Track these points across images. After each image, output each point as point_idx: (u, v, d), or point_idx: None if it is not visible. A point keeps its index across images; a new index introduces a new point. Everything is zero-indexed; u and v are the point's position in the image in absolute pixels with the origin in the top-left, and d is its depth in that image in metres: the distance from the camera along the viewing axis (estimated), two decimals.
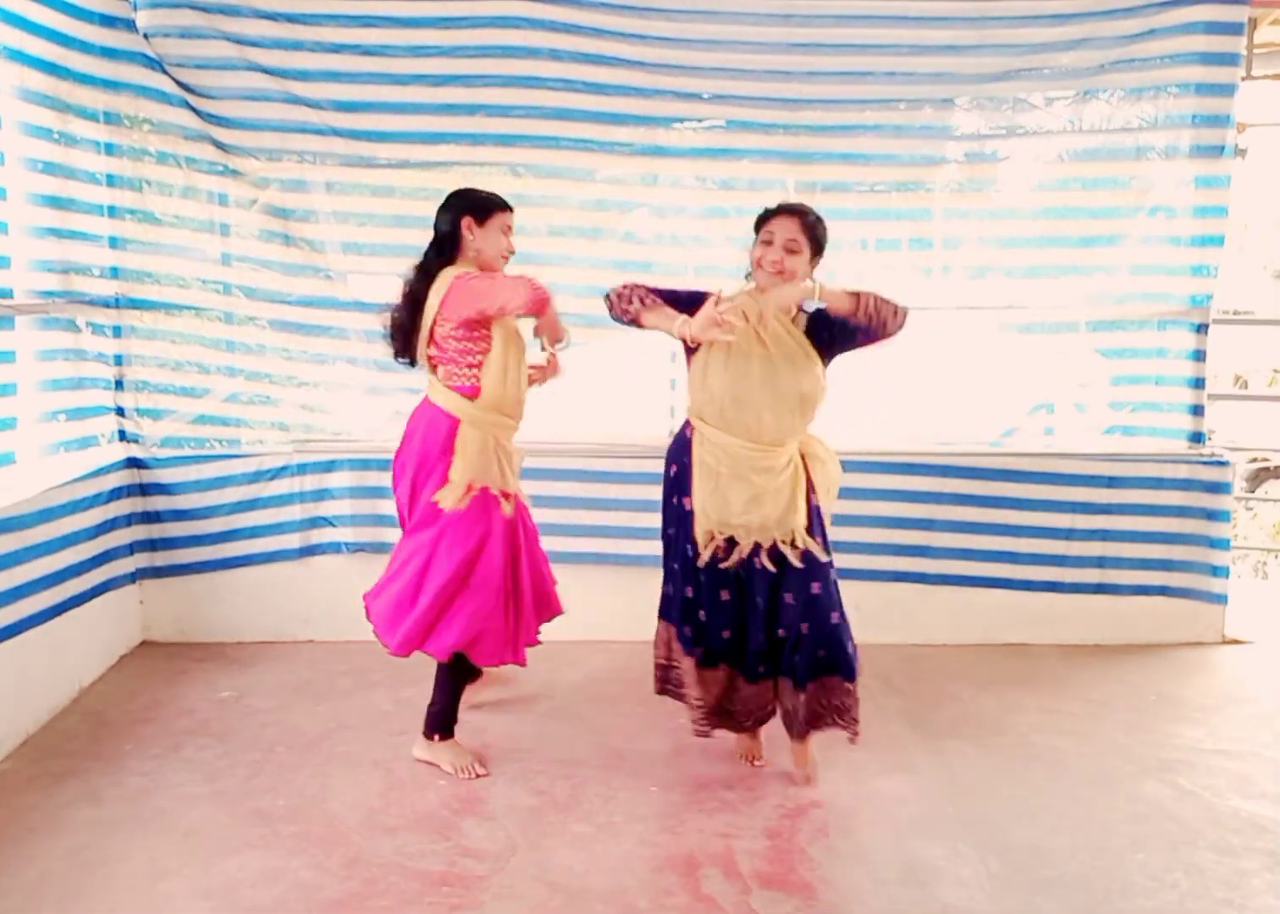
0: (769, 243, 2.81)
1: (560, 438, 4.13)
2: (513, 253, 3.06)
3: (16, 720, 3.20)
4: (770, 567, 2.87)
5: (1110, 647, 4.15)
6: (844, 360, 2.96)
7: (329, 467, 4.08)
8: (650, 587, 4.16)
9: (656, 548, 4.14)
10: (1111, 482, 4.12)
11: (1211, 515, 4.13)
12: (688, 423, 2.98)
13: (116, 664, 3.85)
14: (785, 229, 2.79)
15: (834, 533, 4.12)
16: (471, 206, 2.97)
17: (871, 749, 3.22)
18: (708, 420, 2.89)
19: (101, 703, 3.52)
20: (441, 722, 3.08)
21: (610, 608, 4.11)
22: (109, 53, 3.74)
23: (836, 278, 4.30)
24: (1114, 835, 2.75)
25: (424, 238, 4.17)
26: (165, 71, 3.80)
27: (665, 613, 3.13)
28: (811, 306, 2.80)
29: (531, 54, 3.93)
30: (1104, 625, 4.18)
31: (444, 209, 3.01)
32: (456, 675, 3.07)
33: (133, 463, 3.97)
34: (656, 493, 4.12)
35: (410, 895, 2.45)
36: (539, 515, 4.08)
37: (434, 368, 3.02)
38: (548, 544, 4.09)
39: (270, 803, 2.86)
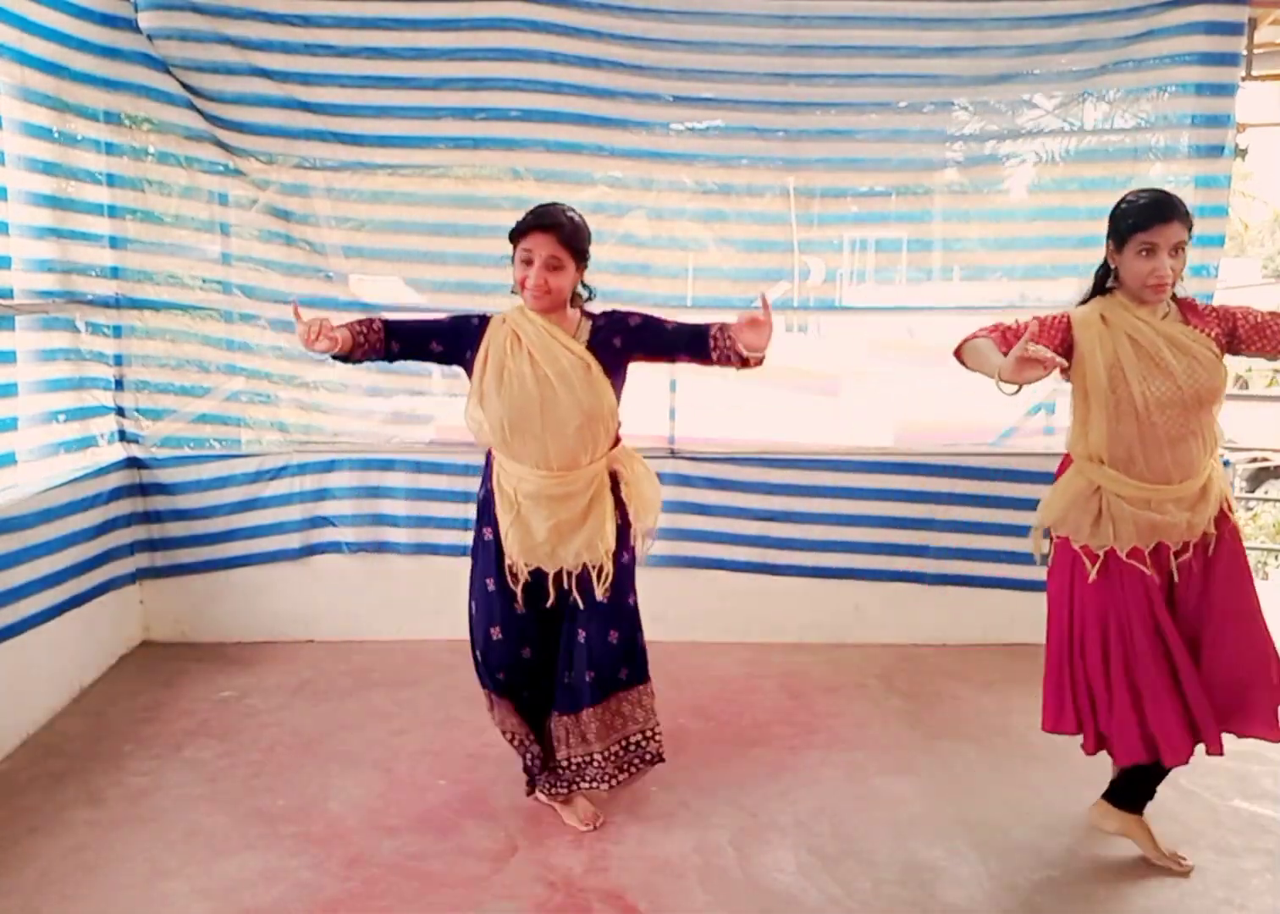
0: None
1: None
2: (1158, 281, 2.38)
3: (16, 720, 3.20)
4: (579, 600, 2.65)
5: None
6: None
7: (329, 467, 4.08)
8: (650, 587, 4.17)
9: (656, 548, 4.16)
10: None
11: None
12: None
13: (116, 664, 3.85)
14: (543, 245, 2.47)
15: (834, 533, 4.17)
16: (1110, 231, 2.48)
17: (871, 749, 3.22)
18: (496, 447, 2.65)
19: (101, 703, 3.52)
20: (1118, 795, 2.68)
21: None
22: (109, 52, 3.73)
23: (839, 277, 4.32)
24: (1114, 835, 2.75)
25: (424, 241, 4.20)
26: (168, 72, 3.80)
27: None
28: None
29: (531, 57, 3.93)
30: None
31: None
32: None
33: (133, 463, 3.97)
34: None
35: (410, 895, 2.45)
36: None
37: None
38: None
39: (270, 803, 2.86)
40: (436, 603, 4.13)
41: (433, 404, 4.28)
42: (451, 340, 2.63)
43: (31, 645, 3.26)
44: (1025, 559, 4.14)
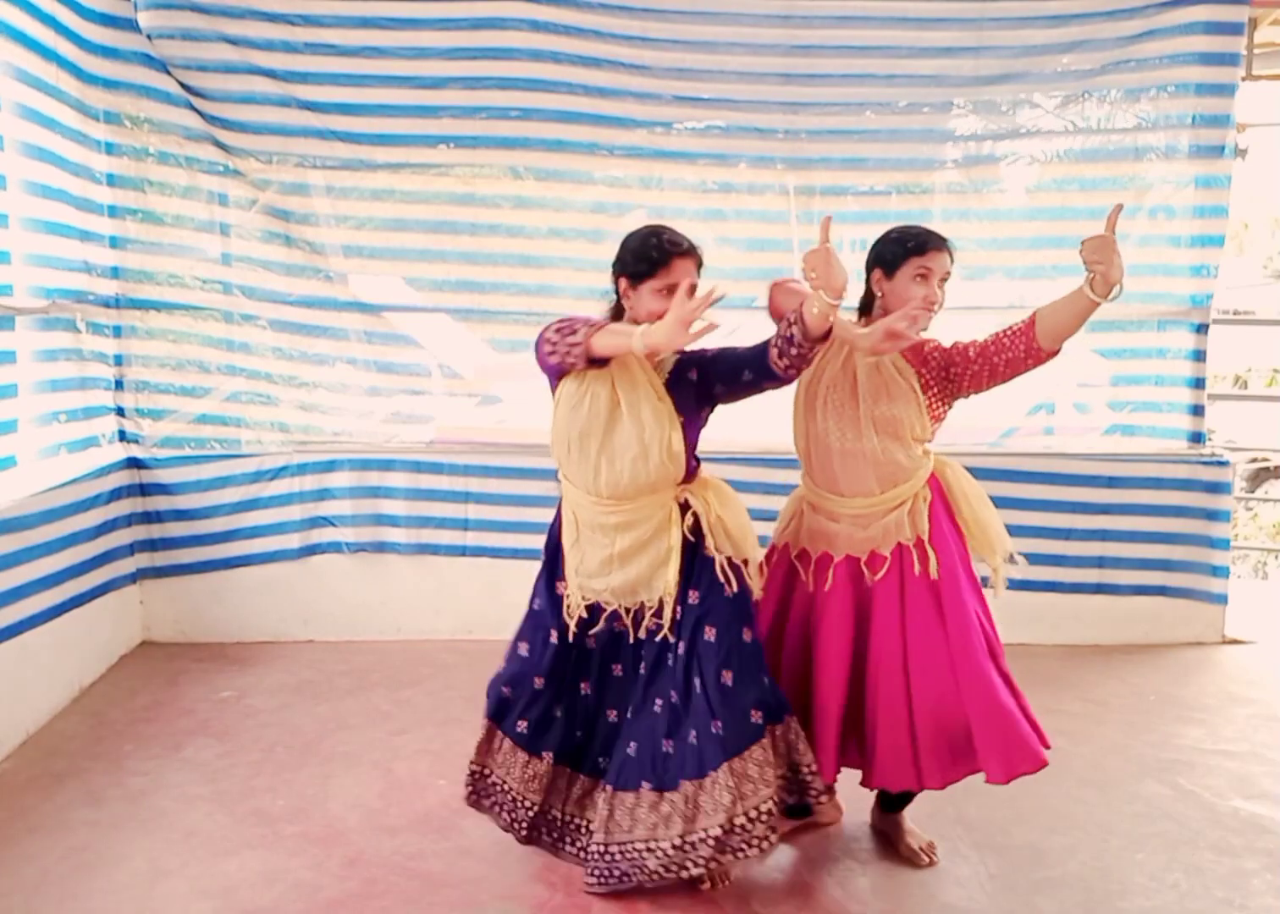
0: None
1: None
2: (930, 304, 2.43)
3: (17, 720, 3.20)
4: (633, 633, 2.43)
5: (1110, 647, 4.15)
6: None
7: (329, 467, 4.08)
8: None
9: None
10: (1111, 482, 4.12)
11: (1211, 515, 4.12)
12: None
13: (116, 664, 3.85)
14: (688, 272, 2.28)
15: None
16: (879, 258, 2.50)
17: None
18: (559, 465, 2.45)
19: (101, 703, 3.52)
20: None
21: None
22: (110, 52, 3.74)
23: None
24: (1114, 835, 2.75)
25: (424, 240, 4.19)
26: (168, 72, 3.80)
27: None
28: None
29: (531, 56, 3.93)
30: (1104, 625, 4.18)
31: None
32: None
33: (133, 463, 3.97)
34: None
35: (410, 895, 2.45)
36: (539, 515, 4.11)
37: None
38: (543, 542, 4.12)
39: (270, 803, 2.86)
40: (436, 603, 4.13)
41: (432, 404, 4.27)
42: None
43: (31, 645, 3.26)
44: (1024, 559, 4.17)
